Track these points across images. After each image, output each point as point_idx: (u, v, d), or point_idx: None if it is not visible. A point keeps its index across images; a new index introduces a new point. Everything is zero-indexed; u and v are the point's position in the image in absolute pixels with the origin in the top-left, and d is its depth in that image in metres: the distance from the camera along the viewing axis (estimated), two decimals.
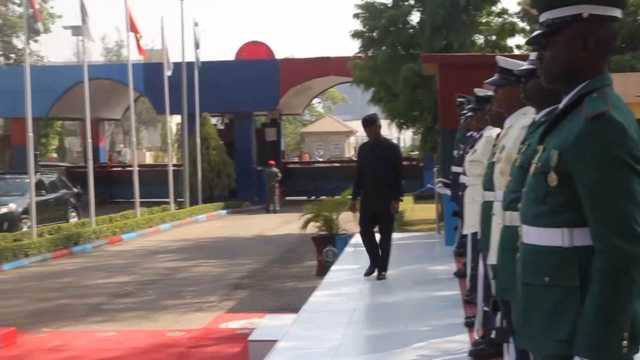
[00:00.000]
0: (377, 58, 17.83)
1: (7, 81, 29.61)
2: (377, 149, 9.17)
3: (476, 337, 5.99)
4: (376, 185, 9.05)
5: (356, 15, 18.72)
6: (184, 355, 8.04)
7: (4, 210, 19.74)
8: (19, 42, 39.17)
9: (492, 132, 5.59)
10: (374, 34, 18.38)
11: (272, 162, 27.78)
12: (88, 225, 19.28)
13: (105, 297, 11.59)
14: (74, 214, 22.26)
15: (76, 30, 39.51)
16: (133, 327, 9.46)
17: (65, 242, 17.15)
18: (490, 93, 5.39)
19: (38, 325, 9.62)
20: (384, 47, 18.07)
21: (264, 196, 27.88)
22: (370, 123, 9.13)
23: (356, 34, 18.65)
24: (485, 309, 5.67)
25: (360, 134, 73.85)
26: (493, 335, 5.36)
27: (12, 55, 39.06)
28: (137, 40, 22.65)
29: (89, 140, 20.33)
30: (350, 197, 12.75)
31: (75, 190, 22.97)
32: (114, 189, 30.34)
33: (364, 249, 9.24)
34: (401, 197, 9.35)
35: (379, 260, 9.17)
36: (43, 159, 37.24)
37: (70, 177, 26.29)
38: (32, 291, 12.43)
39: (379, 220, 9.19)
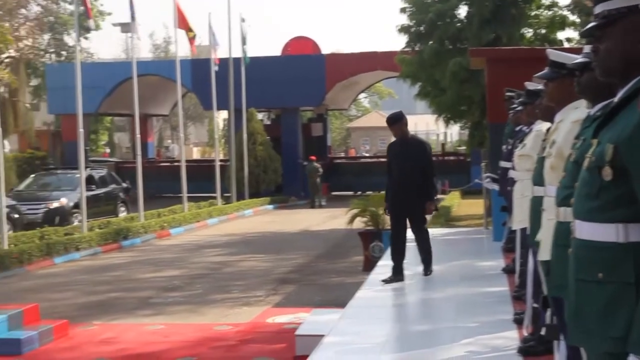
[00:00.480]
0: (424, 52, 17.73)
1: (59, 78, 30.18)
2: (404, 146, 8.77)
3: (525, 334, 5.92)
4: (404, 185, 8.68)
5: (403, 10, 18.63)
6: (231, 349, 8.10)
7: (55, 204, 20.13)
8: (69, 39, 39.80)
9: (542, 126, 5.51)
10: (421, 28, 18.27)
11: (313, 157, 27.91)
12: (137, 219, 19.54)
13: (154, 291, 11.73)
14: (123, 208, 22.59)
15: (125, 28, 40.02)
16: (181, 320, 9.55)
17: (115, 236, 17.41)
18: (540, 87, 5.31)
19: (89, 318, 9.77)
20: (431, 42, 17.95)
21: (314, 190, 28.04)
22: (394, 121, 8.73)
23: (403, 29, 18.56)
24: (535, 305, 5.60)
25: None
26: (543, 332, 5.29)
27: (63, 53, 39.70)
28: (190, 37, 22.82)
29: (138, 136, 20.60)
30: None
31: (125, 185, 23.31)
32: (162, 184, 30.68)
33: (409, 244, 9.09)
34: (434, 197, 8.90)
35: (401, 269, 8.79)
36: (94, 154, 37.84)
37: (119, 172, 26.68)
38: (83, 284, 12.65)
39: (410, 222, 8.87)
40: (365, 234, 12.86)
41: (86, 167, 19.61)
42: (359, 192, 29.18)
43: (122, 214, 21.96)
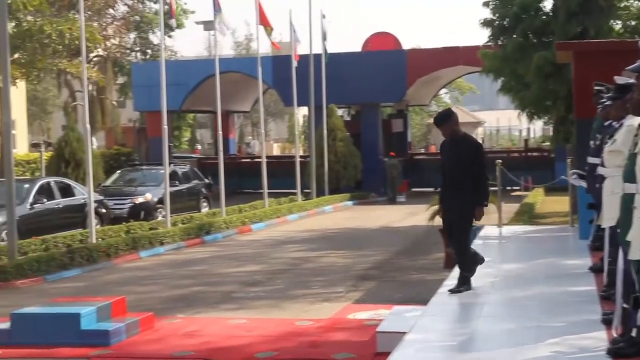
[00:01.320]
0: (508, 47, 17.43)
1: (144, 76, 30.89)
2: (454, 147, 8.17)
3: (615, 335, 5.74)
4: (452, 187, 8.16)
5: (486, 4, 18.35)
6: (313, 344, 8.12)
7: (141, 200, 20.61)
8: (155, 38, 40.66)
9: (633, 121, 5.33)
10: (505, 22, 17.97)
11: (393, 153, 27.91)
12: (219, 215, 19.83)
13: (236, 286, 11.87)
14: (205, 204, 22.96)
15: (208, 26, 40.60)
16: (263, 315, 9.64)
17: (198, 231, 17.70)
18: (631, 81, 5.14)
19: (173, 311, 9.96)
20: (515, 36, 17.64)
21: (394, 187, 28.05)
22: (441, 120, 8.18)
23: (486, 23, 18.29)
24: (626, 306, 5.43)
25: (489, 125, 72.52)
26: (634, 334, 5.14)
27: (149, 51, 40.60)
28: (269, 34, 23.04)
29: (220, 133, 20.91)
30: None
31: (207, 181, 23.68)
32: (243, 180, 31.05)
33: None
34: (485, 202, 8.12)
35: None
36: (178, 150, 38.58)
37: (202, 169, 27.13)
38: (167, 278, 12.90)
39: (452, 230, 8.29)
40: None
41: (170, 164, 19.99)
42: (440, 189, 28.89)
43: (205, 209, 22.32)
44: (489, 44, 18.71)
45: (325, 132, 27.41)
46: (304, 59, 25.94)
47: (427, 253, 14.47)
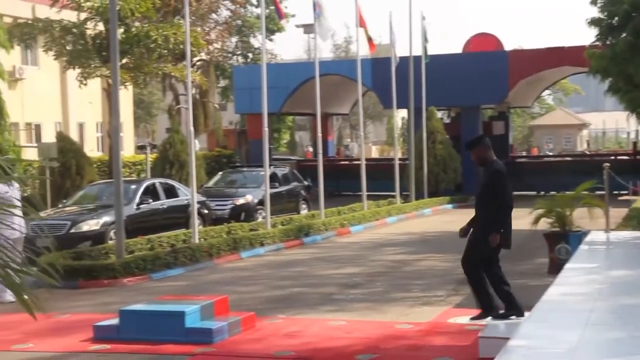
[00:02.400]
0: (617, 46, 16.84)
1: (245, 79, 31.40)
2: (483, 172, 8.44)
3: None
4: (476, 211, 8.54)
5: (594, 2, 17.80)
6: (412, 347, 8.06)
7: (241, 201, 20.95)
8: (255, 41, 41.32)
9: None
10: (614, 21, 17.37)
11: None
12: (318, 217, 19.94)
13: (335, 287, 11.91)
14: (304, 205, 23.14)
15: (308, 29, 41.01)
16: (363, 317, 9.63)
17: (297, 232, 17.85)
18: None
19: (274, 311, 10.06)
20: (624, 34, 17.02)
21: None
22: (470, 147, 8.42)
23: (593, 22, 17.73)
24: None
25: (594, 127, 70.37)
26: None
27: (249, 55, 41.28)
28: (368, 37, 23.04)
29: (319, 135, 21.02)
30: (585, 192, 12.12)
31: (306, 183, 23.86)
32: (341, 182, 31.13)
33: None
34: (497, 229, 8.18)
35: (508, 300, 8.40)
36: (277, 152, 39.04)
37: (300, 170, 27.34)
38: (267, 279, 13.06)
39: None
40: (550, 235, 12.40)
41: (270, 165, 20.25)
42: (542, 193, 28.24)
43: (304, 211, 22.49)
44: (596, 43, 18.13)
45: (425, 134, 27.20)
46: (403, 61, 25.81)
47: (530, 257, 14.14)
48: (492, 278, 8.46)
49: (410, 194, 26.10)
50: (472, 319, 8.57)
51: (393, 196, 25.14)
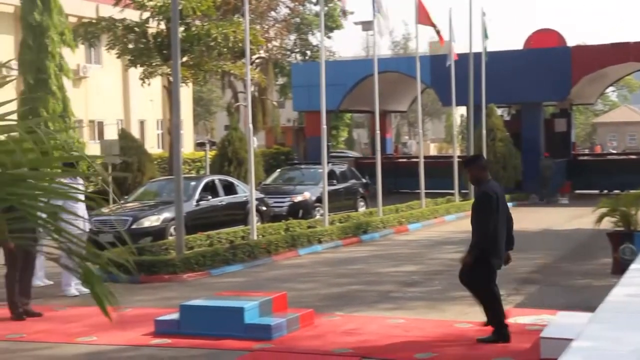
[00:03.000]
0: None
1: (303, 77, 31.47)
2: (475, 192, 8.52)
3: None
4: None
5: None
6: (472, 347, 7.97)
7: (299, 198, 21.00)
8: (314, 39, 41.40)
9: None
10: None
11: (547, 154, 27.33)
12: (375, 214, 19.88)
13: (393, 285, 11.85)
14: (362, 203, 23.09)
15: (366, 26, 40.91)
16: (421, 316, 9.56)
17: (355, 230, 17.82)
18: None
19: (332, 309, 10.06)
20: None
21: (551, 188, 27.24)
22: (466, 164, 8.53)
23: None
24: None
25: None
26: None
27: (308, 52, 41.39)
28: (437, 31, 22.81)
29: (378, 132, 20.94)
30: None
31: (364, 180, 23.81)
32: (399, 179, 30.97)
33: None
34: (474, 251, 8.02)
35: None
36: (334, 149, 39.06)
37: (358, 168, 27.30)
38: (325, 276, 13.07)
39: None
40: (614, 234, 12.14)
41: (328, 163, 20.25)
42: (605, 191, 27.69)
43: (361, 208, 22.45)
44: None
45: (484, 131, 26.88)
46: (462, 58, 25.55)
47: (593, 257, 13.87)
48: (487, 294, 8.26)
49: (469, 191, 25.81)
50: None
51: (451, 194, 24.92)
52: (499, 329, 8.09)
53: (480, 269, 8.05)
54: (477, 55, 26.59)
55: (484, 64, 26.70)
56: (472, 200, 24.99)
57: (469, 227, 8.50)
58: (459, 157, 26.24)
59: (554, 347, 6.74)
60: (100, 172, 2.29)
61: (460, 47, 26.29)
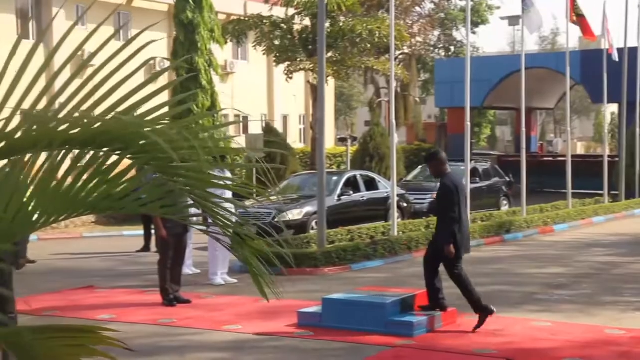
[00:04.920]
0: None
1: (446, 72, 31.12)
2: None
3: None
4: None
5: None
6: (625, 355, 7.60)
7: None
8: (458, 34, 40.81)
9: None
10: None
11: None
12: (519, 214, 19.38)
13: (538, 287, 11.50)
14: (505, 202, 22.57)
15: (513, 21, 39.97)
16: (569, 319, 9.22)
17: (498, 229, 17.44)
18: None
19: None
20: None
21: None
22: (427, 159, 9.18)
23: None
24: None
25: None
26: None
27: (451, 48, 40.86)
28: (585, 27, 21.95)
29: (523, 130, 20.41)
30: None
31: (507, 179, 23.25)
32: (543, 178, 30.03)
33: None
34: (449, 242, 8.55)
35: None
36: (476, 147, 38.41)
37: (501, 166, 26.68)
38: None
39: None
40: None
41: (471, 160, 19.89)
42: None
43: (504, 207, 21.94)
44: None
45: (638, 130, 25.63)
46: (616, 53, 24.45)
47: None
48: (455, 280, 8.82)
49: (620, 193, 24.73)
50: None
51: (600, 195, 23.94)
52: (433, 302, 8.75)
53: (443, 254, 8.68)
54: (632, 50, 25.37)
55: (639, 59, 25.46)
56: (623, 202, 23.97)
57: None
58: (609, 156, 25.16)
59: None
60: (246, 165, 2.34)
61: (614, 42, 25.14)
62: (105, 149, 2.30)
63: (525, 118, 21.47)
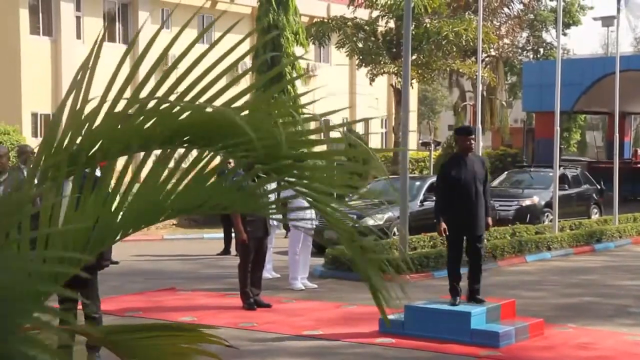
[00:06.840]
0: None
1: (535, 75, 30.32)
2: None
3: None
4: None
5: None
6: None
7: (527, 202, 20.15)
8: (547, 36, 39.84)
9: None
10: None
11: None
12: (611, 222, 18.68)
13: (632, 300, 11.00)
14: (595, 210, 21.81)
15: (606, 21, 38.74)
16: None
17: (587, 238, 16.84)
18: None
19: (562, 320, 9.50)
20: None
21: None
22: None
23: None
24: None
25: None
26: None
27: (540, 50, 39.90)
28: None
29: (616, 135, 19.70)
30: None
31: (598, 186, 22.48)
32: (637, 186, 28.98)
33: None
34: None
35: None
36: (566, 153, 37.41)
37: (592, 172, 25.83)
38: (555, 285, 12.40)
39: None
40: None
41: (559, 166, 19.30)
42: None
43: (595, 216, 21.19)
44: None
45: None
46: None
47: None
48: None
49: None
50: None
51: None
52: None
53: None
54: None
55: None
56: None
57: None
58: None
59: None
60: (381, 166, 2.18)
61: None
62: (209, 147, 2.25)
63: (618, 123, 20.71)
